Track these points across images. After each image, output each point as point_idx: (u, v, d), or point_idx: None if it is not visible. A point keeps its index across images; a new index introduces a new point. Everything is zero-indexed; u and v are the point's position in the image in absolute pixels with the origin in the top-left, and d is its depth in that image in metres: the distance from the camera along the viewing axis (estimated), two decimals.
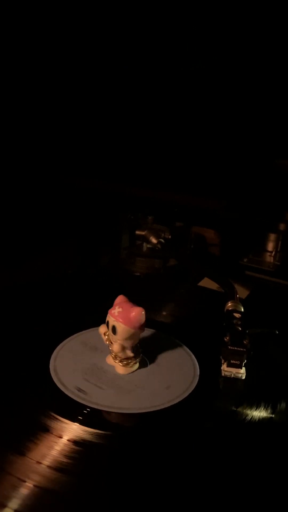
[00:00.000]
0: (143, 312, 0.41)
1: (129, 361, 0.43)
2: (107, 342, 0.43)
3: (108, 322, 0.42)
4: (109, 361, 0.44)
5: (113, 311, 0.42)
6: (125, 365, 0.43)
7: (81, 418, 0.37)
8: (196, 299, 0.64)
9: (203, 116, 0.82)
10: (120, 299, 0.43)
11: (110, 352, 0.44)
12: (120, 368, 0.43)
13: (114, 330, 0.41)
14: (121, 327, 0.41)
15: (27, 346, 0.47)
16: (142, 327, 0.42)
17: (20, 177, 0.90)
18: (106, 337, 0.43)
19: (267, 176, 0.80)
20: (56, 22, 0.83)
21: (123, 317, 0.41)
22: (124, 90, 0.86)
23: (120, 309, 0.41)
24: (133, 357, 0.43)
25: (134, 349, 0.43)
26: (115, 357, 0.43)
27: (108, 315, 0.42)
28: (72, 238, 0.82)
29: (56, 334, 0.48)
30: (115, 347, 0.42)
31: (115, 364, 0.43)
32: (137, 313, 0.41)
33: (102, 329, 0.44)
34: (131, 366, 0.43)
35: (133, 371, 0.43)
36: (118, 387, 0.41)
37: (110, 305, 0.42)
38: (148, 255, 0.75)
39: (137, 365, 0.44)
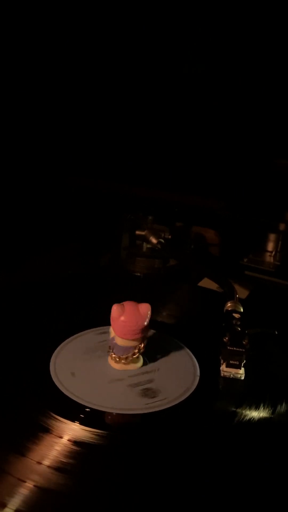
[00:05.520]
0: (113, 308, 0.41)
1: (109, 350, 0.43)
2: None
3: None
4: (109, 362, 0.44)
5: (126, 303, 0.42)
6: (111, 355, 0.43)
7: (81, 418, 0.37)
8: (196, 299, 0.64)
9: (203, 117, 0.82)
10: (144, 305, 0.42)
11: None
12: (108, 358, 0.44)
13: None
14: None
15: (27, 346, 0.47)
16: (120, 331, 0.41)
17: (20, 176, 0.90)
18: None
19: (267, 176, 0.80)
20: (57, 24, 0.83)
21: (113, 308, 0.41)
22: (124, 90, 0.86)
23: (122, 305, 0.41)
24: (114, 354, 0.43)
25: (115, 347, 0.43)
26: None
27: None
28: (72, 238, 0.82)
29: (56, 334, 0.48)
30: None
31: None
32: (113, 310, 0.41)
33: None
34: (113, 360, 0.43)
35: (119, 368, 0.43)
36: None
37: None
38: (148, 255, 0.75)
39: (122, 366, 0.43)
